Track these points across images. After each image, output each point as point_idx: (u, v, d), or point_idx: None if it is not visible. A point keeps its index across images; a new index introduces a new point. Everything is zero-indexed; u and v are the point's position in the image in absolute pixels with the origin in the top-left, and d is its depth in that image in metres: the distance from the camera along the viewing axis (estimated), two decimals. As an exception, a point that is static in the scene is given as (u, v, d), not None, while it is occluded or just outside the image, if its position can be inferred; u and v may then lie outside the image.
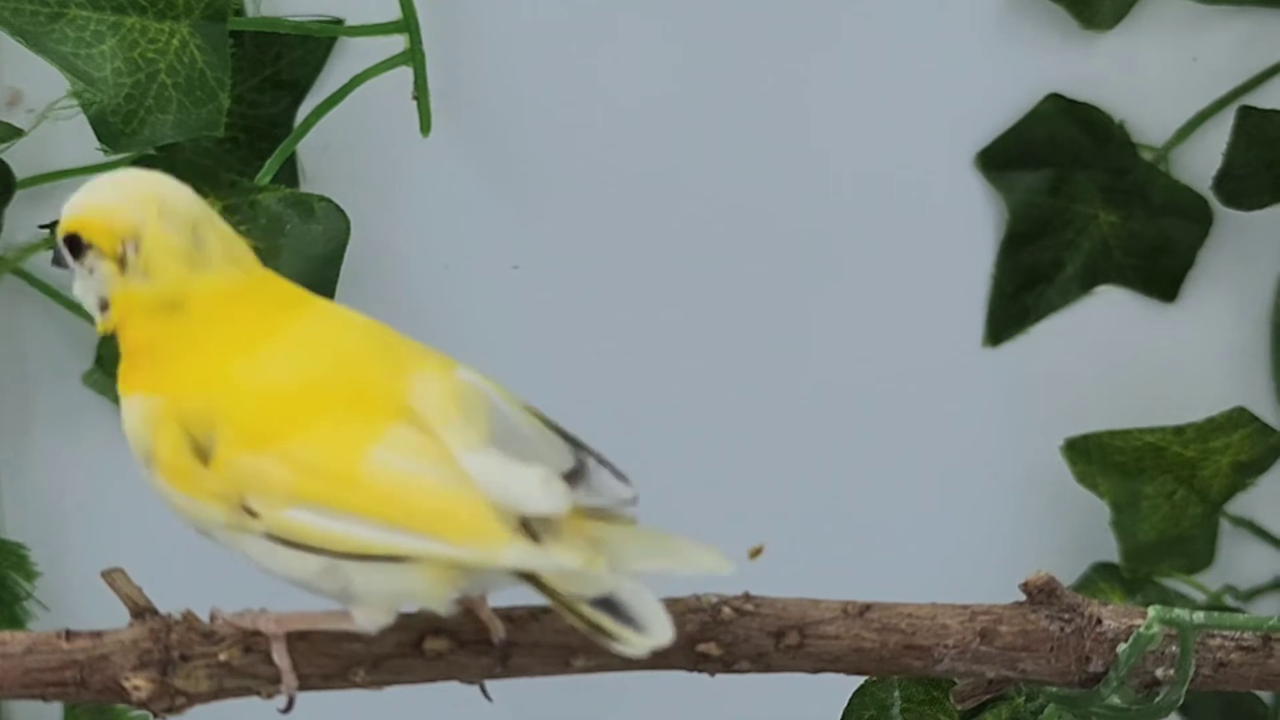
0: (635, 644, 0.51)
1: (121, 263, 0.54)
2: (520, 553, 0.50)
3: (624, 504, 0.52)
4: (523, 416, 0.53)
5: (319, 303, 0.55)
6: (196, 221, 0.54)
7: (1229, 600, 0.83)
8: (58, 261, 0.56)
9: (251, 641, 0.54)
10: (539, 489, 0.51)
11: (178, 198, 0.54)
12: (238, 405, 0.52)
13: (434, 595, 0.52)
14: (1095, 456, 0.81)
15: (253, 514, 0.52)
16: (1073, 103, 0.81)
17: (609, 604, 0.51)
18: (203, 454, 0.52)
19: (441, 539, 0.50)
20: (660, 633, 0.51)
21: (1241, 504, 0.83)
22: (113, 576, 0.55)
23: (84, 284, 0.55)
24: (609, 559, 0.51)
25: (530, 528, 0.51)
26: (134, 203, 0.54)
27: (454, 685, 0.56)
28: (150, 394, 0.53)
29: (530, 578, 0.52)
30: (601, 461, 0.53)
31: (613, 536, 0.51)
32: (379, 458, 0.51)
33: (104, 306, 0.55)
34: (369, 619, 0.53)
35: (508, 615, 0.54)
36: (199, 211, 0.54)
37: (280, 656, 0.54)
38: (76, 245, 0.54)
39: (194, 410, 0.53)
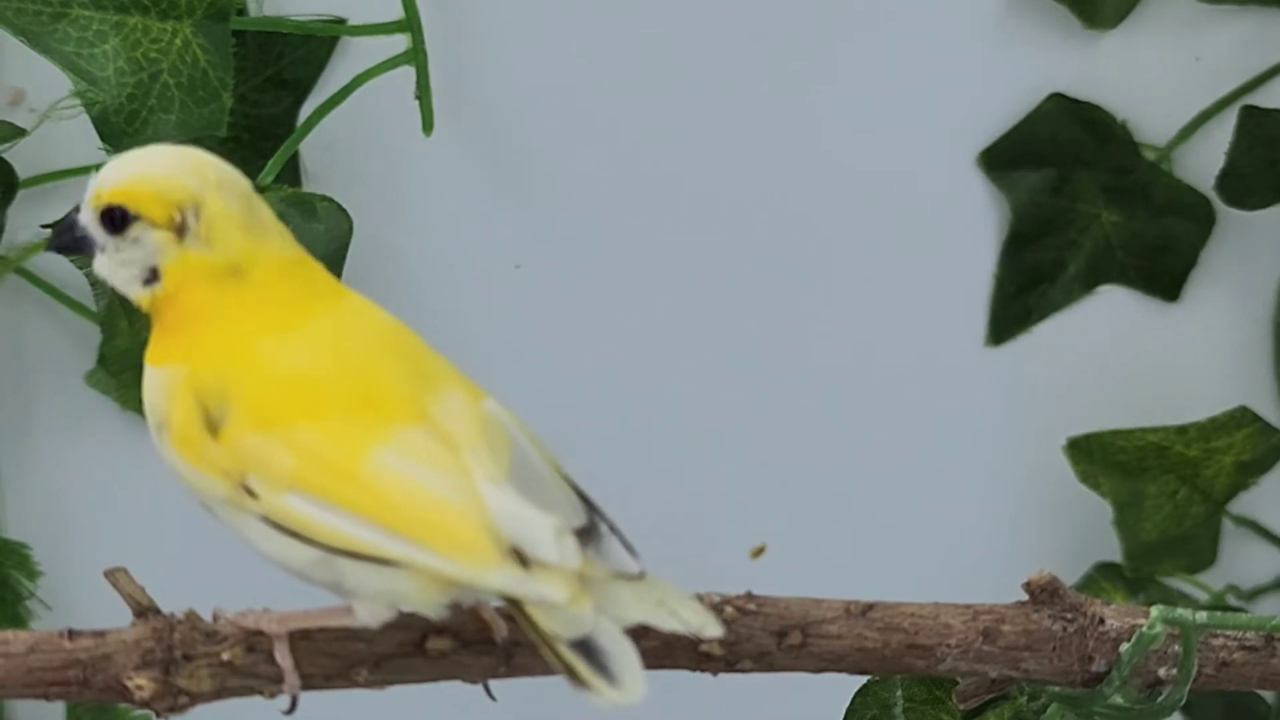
0: (605, 696, 0.50)
1: (180, 231, 0.53)
2: (507, 577, 0.50)
3: (628, 577, 0.51)
4: (544, 463, 0.53)
5: (354, 297, 0.55)
6: (247, 191, 0.54)
7: (1231, 600, 0.83)
8: (72, 244, 0.55)
9: (254, 641, 0.54)
10: (552, 538, 0.50)
11: (226, 167, 0.55)
12: (254, 383, 0.52)
13: (424, 600, 0.52)
14: (1097, 456, 0.81)
15: (252, 494, 0.52)
16: (1075, 102, 0.81)
17: (587, 647, 0.50)
18: (213, 426, 0.52)
19: (431, 549, 0.50)
20: (631, 689, 0.50)
21: (1244, 503, 0.83)
22: (115, 576, 0.55)
23: (120, 258, 0.54)
24: (597, 601, 0.50)
25: (522, 555, 0.50)
26: (187, 172, 0.54)
27: (457, 685, 0.56)
28: (179, 364, 0.53)
29: (514, 605, 0.51)
30: (614, 530, 0.52)
31: (605, 579, 0.51)
32: (383, 459, 0.51)
33: (152, 278, 0.54)
34: (370, 613, 0.53)
35: (511, 615, 0.54)
36: (246, 183, 0.55)
37: (283, 656, 0.54)
38: (117, 218, 0.54)
39: (211, 381, 0.53)
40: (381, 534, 0.51)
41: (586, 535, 0.52)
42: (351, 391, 0.52)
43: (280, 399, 0.52)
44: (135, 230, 0.54)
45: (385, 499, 0.51)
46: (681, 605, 0.51)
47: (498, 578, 0.50)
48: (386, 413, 0.52)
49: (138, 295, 0.54)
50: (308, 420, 0.52)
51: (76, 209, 0.55)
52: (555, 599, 0.50)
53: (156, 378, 0.54)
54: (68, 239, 0.55)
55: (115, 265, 0.54)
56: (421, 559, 0.51)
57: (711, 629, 0.52)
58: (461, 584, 0.51)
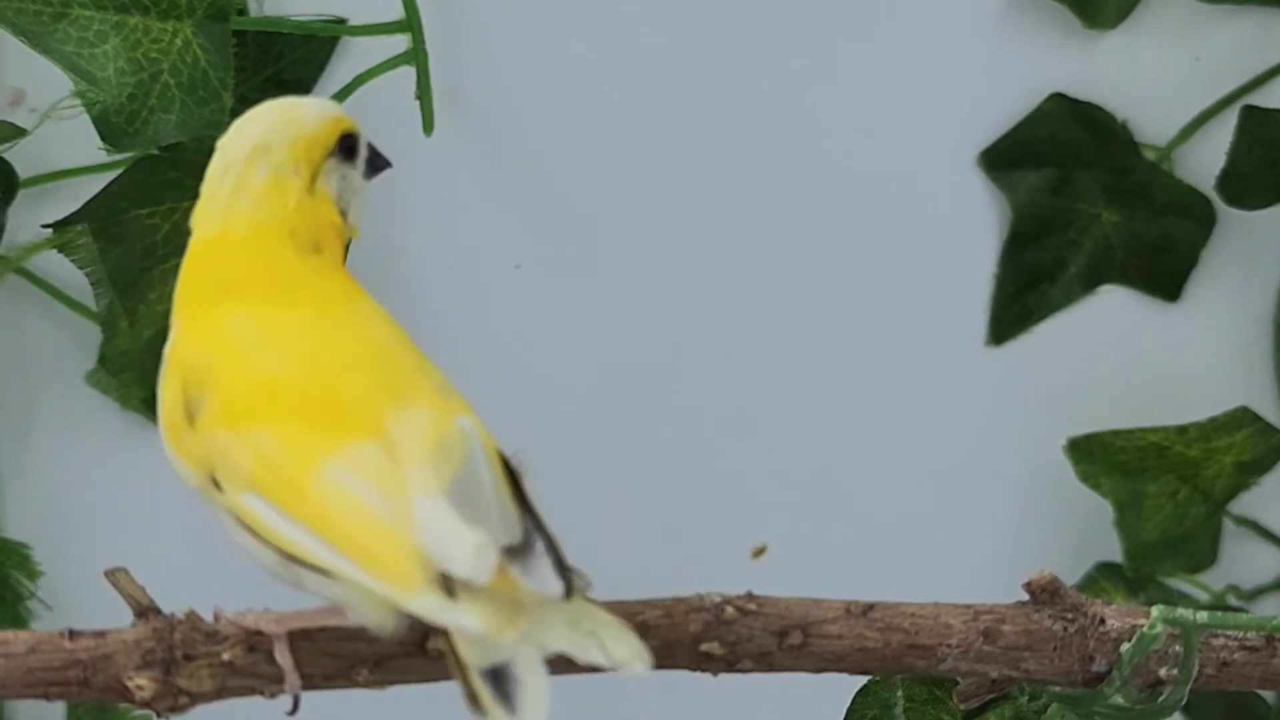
0: None
1: None
2: (428, 604, 0.49)
3: (548, 598, 0.50)
4: (494, 479, 0.52)
5: (357, 301, 0.56)
6: (264, 152, 0.55)
7: (1232, 600, 0.83)
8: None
9: (254, 641, 0.54)
10: (470, 553, 0.49)
11: (286, 130, 0.55)
12: (230, 377, 0.53)
13: (370, 614, 0.52)
14: (1098, 456, 0.81)
15: (219, 488, 0.52)
16: (1075, 102, 0.81)
17: (498, 675, 0.50)
18: (191, 415, 0.53)
19: (360, 567, 0.50)
20: None
21: (1245, 503, 0.83)
22: (116, 576, 0.55)
23: None
24: (529, 624, 0.50)
25: (449, 581, 0.50)
26: (239, 122, 0.56)
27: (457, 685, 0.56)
28: (180, 321, 0.55)
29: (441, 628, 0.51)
30: (550, 550, 0.51)
31: (537, 602, 0.50)
32: (330, 471, 0.51)
33: None
34: (358, 615, 0.53)
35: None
36: (261, 143, 0.55)
37: (282, 656, 0.54)
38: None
39: (196, 369, 0.53)
40: (321, 545, 0.51)
41: (516, 553, 0.51)
42: (315, 399, 0.52)
43: (248, 398, 0.52)
44: None
45: (325, 512, 0.51)
46: (612, 639, 0.50)
47: (417, 603, 0.50)
48: (344, 424, 0.52)
49: None
50: (269, 423, 0.52)
51: None
52: (474, 629, 0.49)
53: (170, 337, 0.55)
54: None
55: None
56: (353, 575, 0.50)
57: (639, 666, 0.50)
58: (389, 604, 0.51)
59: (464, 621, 0.49)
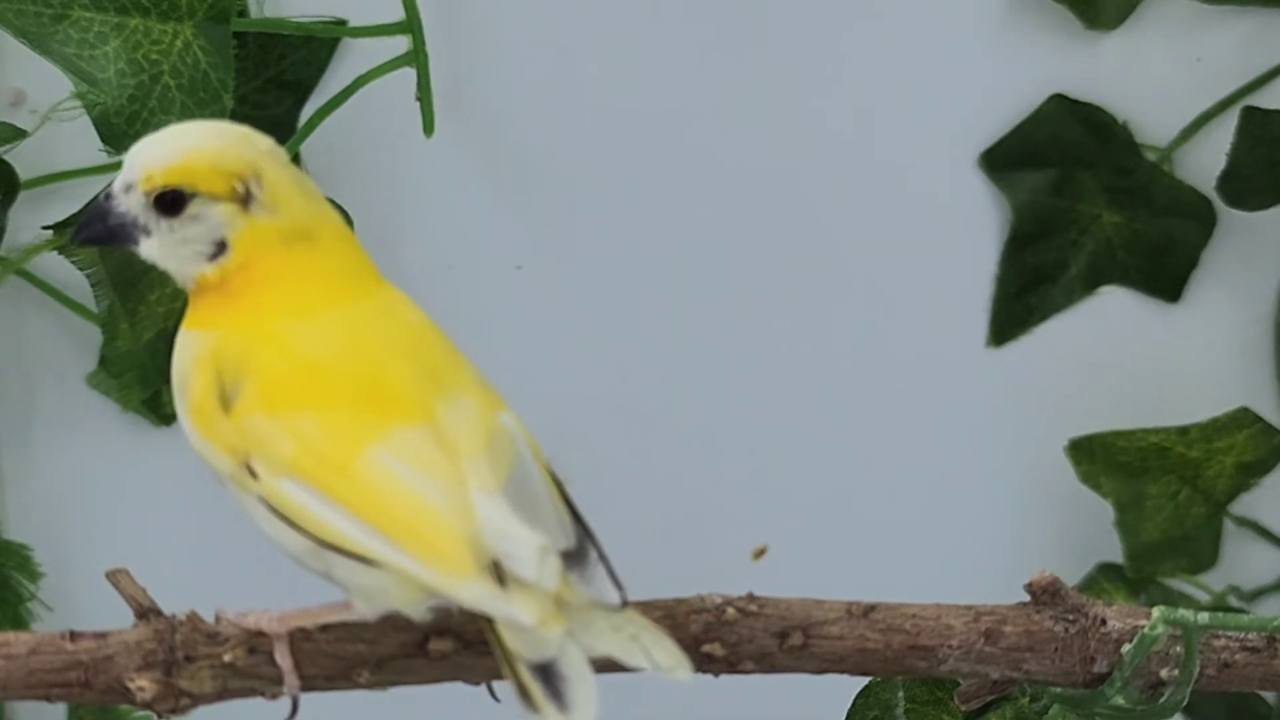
0: None
1: (244, 201, 0.53)
2: (479, 592, 0.50)
3: (607, 607, 0.51)
4: (544, 481, 0.53)
5: (389, 288, 0.56)
6: (288, 160, 0.55)
7: (1233, 601, 0.83)
8: (105, 234, 0.54)
9: (256, 642, 0.54)
10: (535, 556, 0.50)
11: (268, 137, 0.55)
12: (270, 364, 0.52)
13: (406, 600, 0.52)
14: (1099, 457, 0.81)
15: (254, 475, 0.52)
16: (1076, 103, 0.81)
17: (547, 671, 0.50)
18: (226, 401, 0.52)
19: (408, 553, 0.50)
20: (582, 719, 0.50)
21: (1245, 504, 0.83)
22: (117, 577, 0.55)
23: (178, 237, 0.53)
24: (573, 624, 0.50)
25: (500, 571, 0.50)
26: (238, 142, 0.54)
27: (459, 686, 0.56)
28: (216, 330, 0.53)
29: (484, 618, 0.51)
30: (602, 558, 0.52)
31: (585, 606, 0.51)
32: (377, 457, 0.51)
33: (219, 251, 0.53)
34: (370, 607, 0.53)
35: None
36: (285, 152, 0.55)
37: (282, 657, 0.54)
38: (170, 200, 0.53)
39: (232, 356, 0.53)
40: (365, 531, 0.50)
41: (573, 559, 0.51)
42: (360, 386, 0.52)
43: (290, 384, 0.52)
44: (194, 207, 0.53)
45: (372, 497, 0.51)
46: (655, 644, 0.51)
47: (469, 592, 0.50)
48: (390, 411, 0.52)
49: (201, 271, 0.54)
50: (312, 409, 0.52)
51: (108, 196, 0.54)
52: (524, 621, 0.49)
53: (188, 340, 0.54)
54: (99, 229, 0.54)
55: (173, 245, 0.54)
56: (398, 561, 0.50)
57: (682, 673, 0.51)
58: (435, 592, 0.51)
59: (514, 612, 0.49)
